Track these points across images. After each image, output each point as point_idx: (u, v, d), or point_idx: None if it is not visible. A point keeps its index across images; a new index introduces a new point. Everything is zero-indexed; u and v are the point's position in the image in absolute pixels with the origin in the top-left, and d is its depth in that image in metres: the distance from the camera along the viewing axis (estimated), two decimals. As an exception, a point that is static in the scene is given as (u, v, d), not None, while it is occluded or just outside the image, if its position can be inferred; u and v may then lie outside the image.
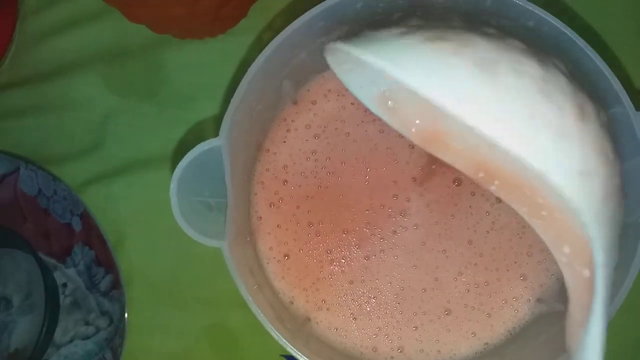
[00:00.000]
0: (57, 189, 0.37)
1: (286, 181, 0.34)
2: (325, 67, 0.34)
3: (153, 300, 0.37)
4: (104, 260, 0.37)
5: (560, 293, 0.32)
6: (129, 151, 0.38)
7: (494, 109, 0.20)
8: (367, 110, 0.34)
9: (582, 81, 0.30)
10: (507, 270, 0.33)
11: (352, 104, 0.34)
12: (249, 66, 0.28)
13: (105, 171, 0.38)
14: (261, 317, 0.28)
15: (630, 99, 0.29)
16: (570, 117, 0.21)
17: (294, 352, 0.28)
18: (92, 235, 0.37)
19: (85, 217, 0.37)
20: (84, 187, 0.38)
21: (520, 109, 0.20)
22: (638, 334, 0.36)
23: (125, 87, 0.38)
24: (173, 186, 0.26)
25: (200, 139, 0.27)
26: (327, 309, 0.33)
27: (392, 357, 0.32)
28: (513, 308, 0.33)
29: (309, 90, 0.34)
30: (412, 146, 0.34)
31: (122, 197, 0.38)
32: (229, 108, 0.27)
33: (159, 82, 0.38)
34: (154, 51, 0.38)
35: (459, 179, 0.33)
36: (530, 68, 0.21)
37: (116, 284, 0.36)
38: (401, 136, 0.33)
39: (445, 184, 0.33)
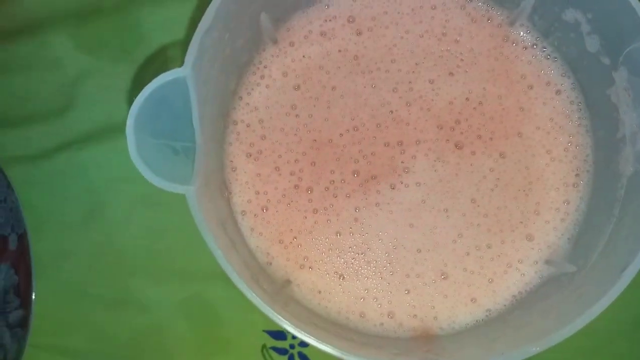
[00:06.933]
0: (8, 197, 0.34)
1: (264, 136, 0.31)
2: (310, 2, 0.31)
3: (126, 271, 0.35)
4: (22, 294, 0.34)
5: (572, 253, 0.29)
6: (101, 115, 0.36)
7: None
8: (356, 59, 0.31)
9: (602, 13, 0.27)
10: (512, 231, 0.30)
11: (339, 50, 0.31)
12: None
13: (76, 136, 0.36)
14: (234, 277, 0.24)
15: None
16: None
17: (272, 315, 0.24)
18: (22, 261, 0.34)
19: (23, 240, 0.34)
20: (53, 153, 0.36)
21: None
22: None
23: (98, 46, 0.36)
24: (129, 122, 0.23)
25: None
26: (310, 268, 0.30)
27: (381, 324, 0.29)
28: (518, 272, 0.30)
29: (288, 29, 0.31)
30: (409, 104, 0.31)
31: (94, 163, 0.35)
32: (195, 33, 0.24)
33: (134, 41, 0.36)
34: (129, 8, 0.36)
35: (460, 142, 0.31)
36: None
37: (24, 323, 0.33)
38: (395, 91, 0.31)
39: (448, 148, 0.31)
